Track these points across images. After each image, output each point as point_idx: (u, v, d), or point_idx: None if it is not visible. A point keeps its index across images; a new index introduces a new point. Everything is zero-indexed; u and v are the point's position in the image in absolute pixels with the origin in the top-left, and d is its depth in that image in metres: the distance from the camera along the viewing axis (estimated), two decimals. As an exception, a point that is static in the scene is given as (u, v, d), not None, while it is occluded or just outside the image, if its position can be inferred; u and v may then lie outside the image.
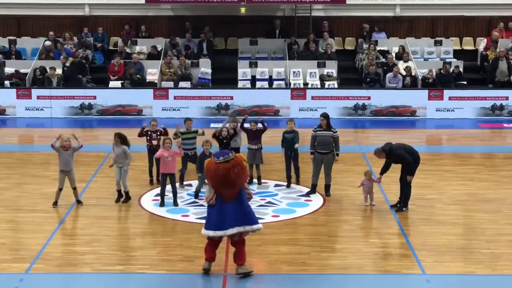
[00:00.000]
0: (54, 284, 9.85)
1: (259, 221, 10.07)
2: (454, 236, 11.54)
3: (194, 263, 10.33)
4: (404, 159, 12.39)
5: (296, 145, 13.81)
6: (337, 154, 13.33)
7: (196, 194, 13.27)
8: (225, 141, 13.92)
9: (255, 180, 14.14)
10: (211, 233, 9.72)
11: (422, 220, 12.23)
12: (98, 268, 10.19)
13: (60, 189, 12.78)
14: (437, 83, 21.42)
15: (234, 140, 14.03)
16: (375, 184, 13.09)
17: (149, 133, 14.12)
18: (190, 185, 14.07)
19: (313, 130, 13.40)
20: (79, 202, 12.93)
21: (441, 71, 21.65)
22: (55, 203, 12.80)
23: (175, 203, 12.92)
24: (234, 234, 9.69)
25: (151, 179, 14.21)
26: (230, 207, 9.62)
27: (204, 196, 10.16)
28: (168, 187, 12.98)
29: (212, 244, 9.92)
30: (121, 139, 12.97)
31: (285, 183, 14.09)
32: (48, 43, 22.79)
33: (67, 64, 21.51)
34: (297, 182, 14.13)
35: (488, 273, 10.09)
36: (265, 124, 14.24)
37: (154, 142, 14.07)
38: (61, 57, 21.77)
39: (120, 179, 13.00)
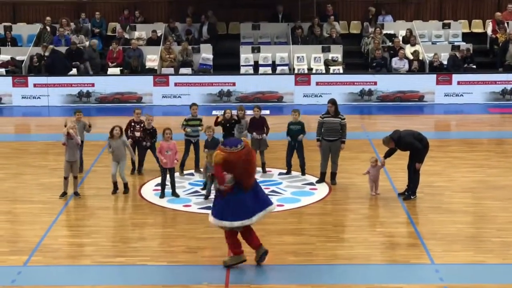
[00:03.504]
0: (53, 277, 9.64)
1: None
2: (463, 224, 11.36)
3: (197, 254, 10.16)
4: (413, 146, 12.17)
5: (300, 137, 13.44)
6: (344, 142, 13.10)
7: (205, 185, 12.73)
8: (228, 125, 13.60)
9: (259, 168, 13.82)
10: (237, 223, 9.51)
11: (430, 208, 12.03)
12: (98, 260, 10.03)
13: (66, 178, 12.47)
14: (449, 67, 20.96)
15: (239, 132, 13.66)
16: (382, 172, 12.83)
17: (132, 124, 13.64)
18: (192, 174, 13.80)
19: (320, 117, 13.14)
20: (76, 194, 12.61)
21: (457, 54, 21.11)
22: (63, 194, 12.50)
23: (174, 194, 12.57)
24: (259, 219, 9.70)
25: (133, 168, 13.80)
26: (250, 195, 9.57)
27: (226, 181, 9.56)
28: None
29: (232, 237, 9.70)
30: (122, 131, 12.67)
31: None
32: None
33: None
34: (303, 173, 13.73)
35: (498, 262, 9.91)
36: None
37: (137, 134, 13.57)
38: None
39: (116, 172, 12.64)
